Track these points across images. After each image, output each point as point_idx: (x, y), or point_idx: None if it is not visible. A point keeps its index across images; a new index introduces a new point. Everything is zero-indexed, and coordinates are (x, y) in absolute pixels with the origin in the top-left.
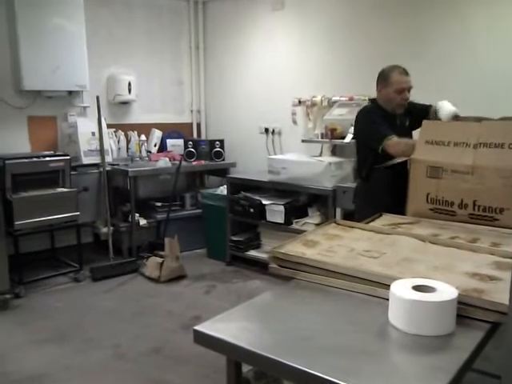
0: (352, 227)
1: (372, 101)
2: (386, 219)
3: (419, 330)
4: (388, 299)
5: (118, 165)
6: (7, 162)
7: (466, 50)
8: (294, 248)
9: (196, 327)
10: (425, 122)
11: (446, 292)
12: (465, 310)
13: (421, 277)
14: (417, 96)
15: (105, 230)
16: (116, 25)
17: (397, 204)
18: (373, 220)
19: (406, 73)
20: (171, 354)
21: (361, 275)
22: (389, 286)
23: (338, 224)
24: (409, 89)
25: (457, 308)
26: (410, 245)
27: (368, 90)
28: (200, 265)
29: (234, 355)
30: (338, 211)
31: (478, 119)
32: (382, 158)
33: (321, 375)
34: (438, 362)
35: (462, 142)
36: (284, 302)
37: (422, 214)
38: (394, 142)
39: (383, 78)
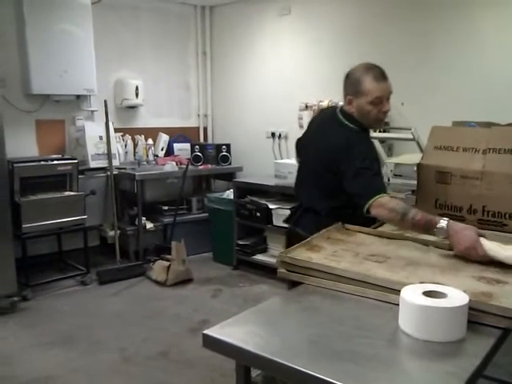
0: (355, 232)
1: (344, 114)
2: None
3: (430, 336)
4: (398, 305)
5: (125, 169)
6: (15, 165)
7: (474, 55)
8: (300, 253)
9: (205, 331)
10: (434, 127)
11: (457, 298)
12: (475, 316)
13: (427, 281)
14: (424, 101)
15: (112, 233)
16: (123, 30)
17: None
18: (380, 225)
19: (383, 76)
20: (178, 358)
21: (371, 280)
22: (398, 291)
23: (345, 228)
24: (388, 97)
25: (467, 314)
26: (414, 249)
27: None
28: (206, 268)
29: (244, 359)
30: None
31: (487, 125)
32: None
33: (330, 380)
34: (450, 368)
35: (471, 148)
36: (293, 306)
37: None
38: (387, 204)
39: (353, 84)
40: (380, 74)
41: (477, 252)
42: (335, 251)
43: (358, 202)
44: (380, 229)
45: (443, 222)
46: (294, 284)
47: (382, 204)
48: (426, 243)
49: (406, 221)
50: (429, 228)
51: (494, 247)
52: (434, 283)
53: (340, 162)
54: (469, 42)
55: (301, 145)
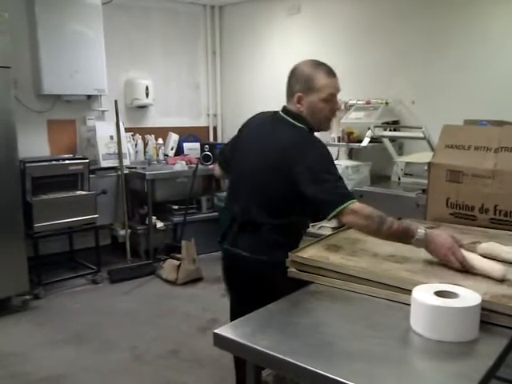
0: None
1: (289, 113)
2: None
3: (442, 336)
4: (410, 304)
5: (135, 168)
6: (27, 165)
7: (485, 53)
8: (318, 252)
9: (216, 330)
10: (445, 126)
11: (469, 298)
12: (488, 316)
13: (448, 282)
14: (435, 100)
15: (122, 232)
16: (133, 30)
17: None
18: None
19: (333, 72)
20: (188, 357)
21: (383, 280)
22: (411, 291)
23: None
24: (337, 95)
25: (480, 314)
26: None
27: (385, 94)
28: (216, 267)
29: (254, 359)
30: None
31: (499, 123)
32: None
33: (342, 380)
34: (462, 368)
35: (483, 147)
36: (303, 306)
37: (442, 218)
38: (361, 210)
39: (304, 80)
40: (330, 70)
41: (455, 256)
42: (354, 251)
43: (324, 209)
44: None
45: (421, 232)
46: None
47: (355, 211)
48: None
49: (383, 230)
50: (406, 238)
51: (476, 257)
52: (453, 284)
53: (293, 165)
54: (480, 40)
55: (232, 152)
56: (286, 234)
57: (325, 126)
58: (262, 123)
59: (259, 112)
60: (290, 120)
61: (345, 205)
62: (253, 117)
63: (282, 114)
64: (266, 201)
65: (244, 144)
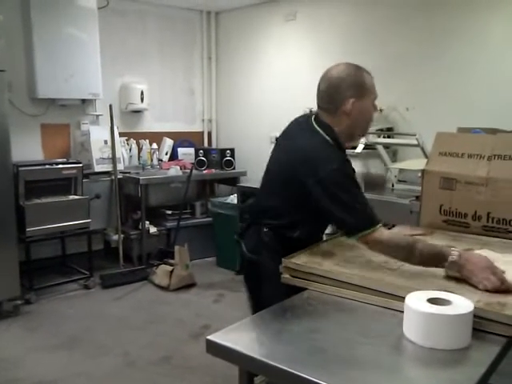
0: None
1: (319, 123)
2: (399, 230)
3: (434, 343)
4: (402, 311)
5: (129, 173)
6: (20, 168)
7: (480, 61)
8: (311, 259)
9: (208, 337)
10: (438, 133)
11: (462, 305)
12: (480, 324)
13: (441, 289)
14: (429, 107)
15: (115, 237)
16: (129, 34)
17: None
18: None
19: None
20: (181, 363)
21: (376, 287)
22: (404, 298)
23: None
24: None
25: (473, 321)
26: None
27: (380, 101)
28: (209, 273)
29: (247, 366)
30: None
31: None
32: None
33: None
34: (455, 376)
35: (476, 154)
36: (296, 312)
37: (435, 225)
38: (388, 241)
39: (356, 83)
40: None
41: (496, 276)
42: (347, 258)
43: (345, 229)
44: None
45: (454, 254)
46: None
47: (381, 241)
48: None
49: (413, 258)
50: (438, 262)
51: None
52: (447, 292)
53: (304, 177)
54: (476, 48)
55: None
56: (281, 241)
57: (362, 135)
58: (289, 130)
59: (298, 116)
60: (317, 128)
61: (368, 231)
62: (290, 122)
63: (313, 122)
64: (280, 203)
65: (272, 152)
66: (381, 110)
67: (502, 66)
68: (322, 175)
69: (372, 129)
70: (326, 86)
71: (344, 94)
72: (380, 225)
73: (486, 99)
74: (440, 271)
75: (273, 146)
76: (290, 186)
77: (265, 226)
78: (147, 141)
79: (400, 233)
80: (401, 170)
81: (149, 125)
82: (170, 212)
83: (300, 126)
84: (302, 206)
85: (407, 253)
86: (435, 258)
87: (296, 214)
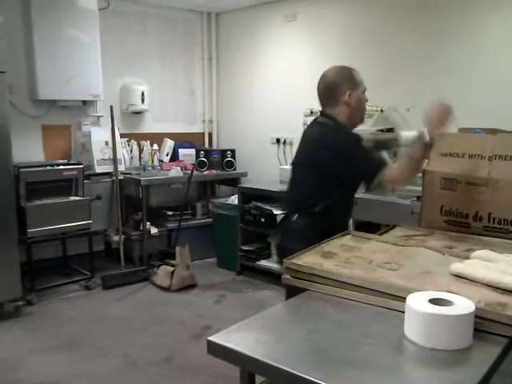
0: (368, 239)
1: (326, 116)
2: (400, 231)
3: (435, 343)
4: (403, 312)
5: (130, 174)
6: (22, 170)
7: (481, 61)
8: (312, 259)
9: (210, 338)
10: (439, 134)
11: (463, 306)
12: (482, 324)
13: (443, 290)
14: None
15: (116, 238)
16: (130, 36)
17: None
18: (386, 231)
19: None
20: (182, 364)
21: (377, 287)
22: (405, 298)
23: (354, 235)
24: None
25: (474, 322)
26: (429, 257)
27: (380, 101)
28: (210, 274)
29: (248, 366)
30: (350, 221)
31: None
32: (346, 191)
33: None
34: (456, 376)
35: (477, 154)
36: (298, 313)
37: (436, 226)
38: (396, 171)
39: (348, 78)
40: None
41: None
42: (348, 258)
43: (364, 180)
44: (389, 236)
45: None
46: (293, 294)
47: (394, 177)
48: (442, 251)
49: (419, 162)
50: (421, 146)
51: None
52: (448, 292)
53: (321, 152)
54: (475, 48)
55: None
56: (312, 223)
57: (362, 120)
58: (304, 132)
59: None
60: (326, 120)
61: (380, 173)
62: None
63: (320, 117)
64: (303, 188)
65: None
66: (382, 111)
67: (500, 67)
68: (335, 145)
69: (373, 129)
70: (324, 84)
71: (340, 88)
72: (386, 165)
73: (484, 100)
74: (441, 272)
75: (273, 146)
76: (312, 166)
77: (293, 214)
78: (148, 142)
79: (401, 161)
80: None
81: (149, 126)
82: (170, 213)
83: (311, 125)
84: (321, 184)
85: (415, 164)
86: (419, 148)
87: (317, 191)
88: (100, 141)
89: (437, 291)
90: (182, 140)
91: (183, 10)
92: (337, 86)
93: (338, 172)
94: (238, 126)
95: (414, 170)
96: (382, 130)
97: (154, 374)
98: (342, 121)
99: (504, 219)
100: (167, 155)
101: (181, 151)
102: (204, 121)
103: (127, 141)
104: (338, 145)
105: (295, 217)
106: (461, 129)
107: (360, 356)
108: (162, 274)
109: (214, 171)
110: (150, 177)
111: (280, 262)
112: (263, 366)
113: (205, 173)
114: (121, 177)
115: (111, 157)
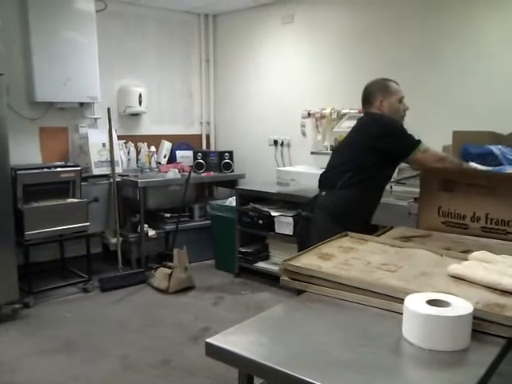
0: (366, 240)
1: (368, 113)
2: (397, 232)
3: (434, 345)
4: (402, 313)
5: (127, 176)
6: (19, 172)
7: (478, 63)
8: (310, 261)
9: (208, 340)
10: (455, 132)
11: (461, 307)
12: (480, 325)
13: (441, 291)
14: (426, 109)
15: (114, 240)
16: (127, 37)
17: (364, 222)
18: (383, 233)
19: (397, 83)
20: (180, 366)
21: (375, 289)
22: (403, 300)
23: (352, 236)
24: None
25: (472, 323)
26: (427, 258)
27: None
28: (208, 276)
29: (247, 368)
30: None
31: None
32: (383, 169)
33: None
34: (455, 377)
35: None
36: (296, 315)
37: (434, 227)
38: (430, 156)
39: (382, 88)
40: (395, 82)
41: None
42: (346, 260)
43: (404, 153)
44: (386, 237)
45: None
46: (300, 291)
47: (423, 158)
48: (439, 253)
49: (449, 164)
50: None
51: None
52: (446, 293)
53: (367, 132)
54: (472, 50)
55: None
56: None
57: (401, 122)
58: (354, 125)
59: None
60: (369, 112)
61: (414, 152)
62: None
63: (364, 115)
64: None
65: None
66: None
67: (498, 69)
68: (385, 123)
69: None
70: (363, 92)
71: (374, 95)
72: (422, 144)
73: (483, 102)
74: (439, 273)
75: (271, 148)
76: (356, 148)
77: (322, 190)
78: (145, 144)
79: (443, 152)
80: (399, 172)
81: (147, 128)
82: (168, 215)
83: (358, 119)
84: (359, 163)
85: (450, 163)
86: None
87: (351, 168)
88: (97, 143)
89: (435, 292)
90: (179, 142)
91: (180, 12)
92: (371, 94)
93: (383, 146)
94: (236, 127)
95: (446, 165)
96: None
97: (152, 377)
98: None
99: (501, 220)
100: (165, 157)
101: (178, 153)
102: (201, 123)
103: (124, 143)
104: (387, 123)
105: (323, 193)
106: (455, 132)
107: (358, 358)
108: (159, 276)
109: (211, 173)
110: (148, 179)
111: (298, 229)
112: (261, 367)
113: (202, 175)
114: (118, 179)
115: (109, 159)
